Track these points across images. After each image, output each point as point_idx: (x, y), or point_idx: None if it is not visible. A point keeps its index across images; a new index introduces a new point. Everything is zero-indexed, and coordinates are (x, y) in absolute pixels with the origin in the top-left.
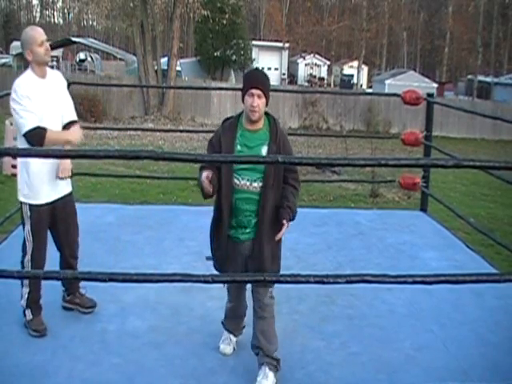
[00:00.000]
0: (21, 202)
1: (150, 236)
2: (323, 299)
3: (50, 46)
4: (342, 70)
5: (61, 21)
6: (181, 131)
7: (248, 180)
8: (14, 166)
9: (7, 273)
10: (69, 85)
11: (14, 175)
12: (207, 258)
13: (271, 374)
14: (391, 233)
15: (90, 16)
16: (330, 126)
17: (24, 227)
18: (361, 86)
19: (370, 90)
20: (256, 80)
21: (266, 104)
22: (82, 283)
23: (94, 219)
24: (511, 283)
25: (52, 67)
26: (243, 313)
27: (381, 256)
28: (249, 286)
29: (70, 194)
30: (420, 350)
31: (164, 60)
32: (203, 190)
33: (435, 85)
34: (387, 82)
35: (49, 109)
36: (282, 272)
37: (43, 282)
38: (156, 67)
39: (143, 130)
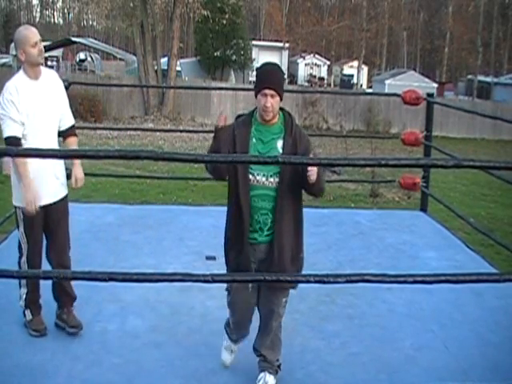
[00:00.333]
0: (14, 206)
1: (149, 236)
2: (323, 299)
3: (50, 46)
4: (342, 70)
5: (61, 21)
6: (181, 131)
7: (264, 175)
8: None
9: (7, 273)
10: (69, 85)
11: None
12: (207, 258)
13: (271, 378)
14: (391, 233)
15: (90, 16)
16: (330, 126)
17: (18, 229)
18: (361, 86)
19: (369, 90)
20: (269, 79)
21: (281, 100)
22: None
23: (94, 219)
24: (511, 283)
25: (52, 67)
26: (249, 328)
27: (381, 256)
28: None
29: (64, 198)
30: (420, 350)
31: (164, 60)
32: (216, 131)
33: (435, 85)
34: (387, 82)
35: (40, 111)
36: None
37: (43, 282)
38: (156, 67)
39: (143, 130)
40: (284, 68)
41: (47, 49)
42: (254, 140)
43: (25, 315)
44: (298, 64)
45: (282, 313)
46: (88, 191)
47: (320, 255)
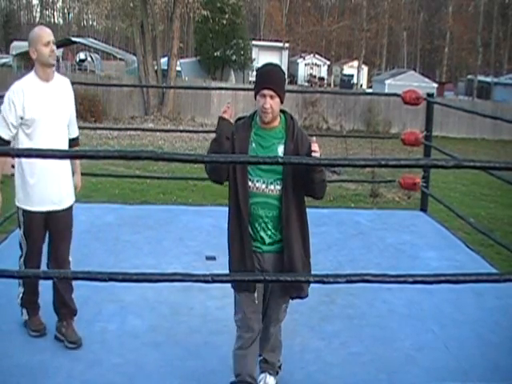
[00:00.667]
0: (16, 206)
1: (149, 236)
2: (323, 299)
3: None
4: (342, 70)
5: (61, 21)
6: (181, 131)
7: (264, 182)
8: (13, 166)
9: (7, 273)
10: None
11: (14, 175)
12: (207, 258)
13: (272, 379)
14: (391, 233)
15: (90, 16)
16: (330, 126)
17: (19, 230)
18: (361, 86)
19: (369, 90)
20: (268, 79)
21: (281, 102)
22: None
23: (94, 219)
24: (511, 283)
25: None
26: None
27: (381, 256)
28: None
29: (68, 209)
30: (420, 350)
31: (164, 60)
32: (219, 124)
33: (435, 85)
34: (387, 81)
35: (48, 113)
36: None
37: (43, 283)
38: (156, 67)
39: (143, 130)
40: (284, 68)
41: None
42: (253, 145)
43: (22, 314)
44: (298, 64)
45: (282, 318)
46: (88, 191)
47: (320, 255)
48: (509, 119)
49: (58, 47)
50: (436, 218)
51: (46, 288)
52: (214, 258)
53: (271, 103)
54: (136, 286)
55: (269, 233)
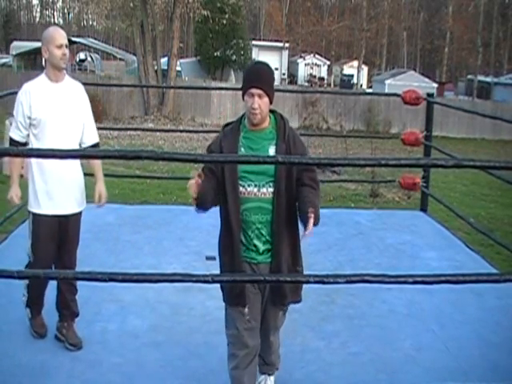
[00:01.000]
0: (28, 211)
1: (149, 236)
2: (323, 299)
3: None
4: (342, 70)
5: (61, 21)
6: (181, 131)
7: (255, 186)
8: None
9: (7, 273)
10: None
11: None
12: (207, 258)
13: (271, 380)
14: (391, 233)
15: (90, 16)
16: (330, 126)
17: (28, 240)
18: (361, 85)
19: (369, 90)
20: (256, 78)
21: (271, 102)
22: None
23: (94, 219)
24: (511, 283)
25: None
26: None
27: (381, 256)
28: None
29: (76, 214)
30: (420, 350)
31: (164, 60)
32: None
33: (435, 85)
34: (387, 81)
35: (56, 114)
36: None
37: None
38: (156, 67)
39: (143, 130)
40: (284, 68)
41: None
42: (242, 149)
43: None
44: (298, 64)
45: (280, 325)
46: (88, 191)
47: (320, 255)
48: (509, 119)
49: None
50: (436, 218)
51: (49, 287)
52: (213, 258)
53: (260, 103)
54: (136, 286)
55: (263, 239)
